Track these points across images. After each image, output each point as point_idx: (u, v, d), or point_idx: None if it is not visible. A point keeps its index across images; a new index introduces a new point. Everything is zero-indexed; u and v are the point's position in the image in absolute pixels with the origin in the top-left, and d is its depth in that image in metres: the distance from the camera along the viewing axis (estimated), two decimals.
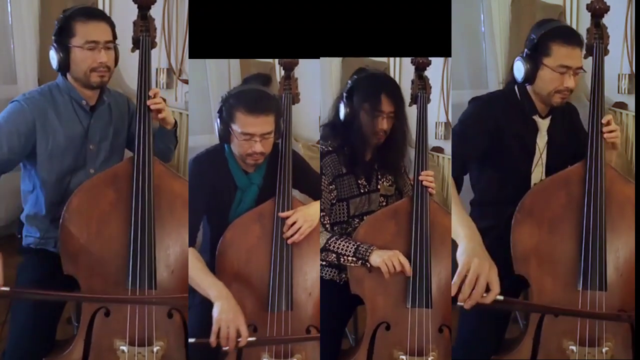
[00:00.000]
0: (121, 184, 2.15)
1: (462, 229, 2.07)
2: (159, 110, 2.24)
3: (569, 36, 2.27)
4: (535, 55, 2.28)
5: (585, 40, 2.29)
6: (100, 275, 2.11)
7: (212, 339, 2.06)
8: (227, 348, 2.07)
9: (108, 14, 2.42)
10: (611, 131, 2.23)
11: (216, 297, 2.11)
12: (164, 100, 2.28)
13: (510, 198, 2.21)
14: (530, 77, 2.30)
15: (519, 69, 2.32)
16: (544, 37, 2.26)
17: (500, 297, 1.97)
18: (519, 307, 2.14)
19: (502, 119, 2.34)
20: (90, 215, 2.13)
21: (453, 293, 1.96)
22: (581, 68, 2.28)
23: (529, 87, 2.36)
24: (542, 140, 2.39)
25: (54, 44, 2.24)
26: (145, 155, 2.16)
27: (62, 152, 2.27)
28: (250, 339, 2.09)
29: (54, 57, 2.25)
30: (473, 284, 1.95)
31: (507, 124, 2.34)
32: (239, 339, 2.07)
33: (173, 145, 2.48)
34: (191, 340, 2.09)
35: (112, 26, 2.27)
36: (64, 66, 2.25)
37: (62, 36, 2.23)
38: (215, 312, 2.08)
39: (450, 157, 3.76)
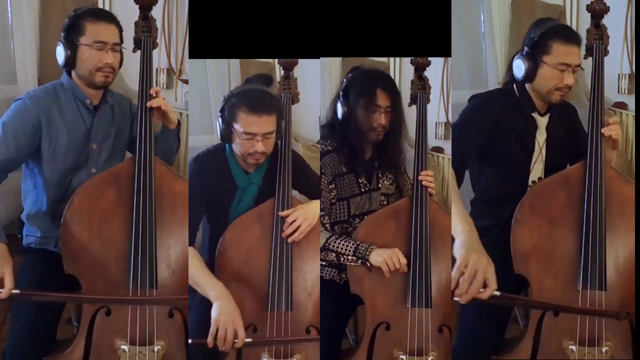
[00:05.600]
0: (123, 184, 2.16)
1: (460, 224, 2.08)
2: (159, 108, 2.25)
3: (568, 35, 2.29)
4: (535, 53, 2.30)
5: (585, 41, 2.31)
6: (101, 275, 2.11)
7: (210, 340, 2.07)
8: (224, 349, 2.07)
9: None
10: (612, 130, 2.23)
11: (215, 297, 2.11)
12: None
13: (509, 196, 2.22)
14: (530, 75, 2.31)
15: (519, 67, 2.33)
16: (543, 35, 2.28)
17: (498, 293, 1.96)
18: (516, 303, 2.15)
19: (501, 115, 2.36)
20: (92, 214, 2.13)
21: (452, 287, 1.96)
22: (579, 66, 2.30)
23: (527, 85, 2.37)
24: (541, 137, 2.40)
25: (62, 40, 2.26)
26: (147, 155, 2.17)
27: (65, 150, 2.27)
28: (247, 340, 2.09)
29: (60, 53, 2.26)
30: (471, 279, 1.94)
31: (506, 120, 2.36)
32: (236, 340, 2.07)
33: (176, 147, 2.48)
34: (189, 341, 2.09)
35: (120, 30, 2.29)
36: (70, 63, 2.26)
37: (71, 33, 2.25)
38: (213, 312, 2.09)
39: (450, 157, 3.78)
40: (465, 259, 1.96)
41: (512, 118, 2.37)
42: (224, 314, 2.08)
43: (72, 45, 2.25)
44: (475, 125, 2.37)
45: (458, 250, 1.99)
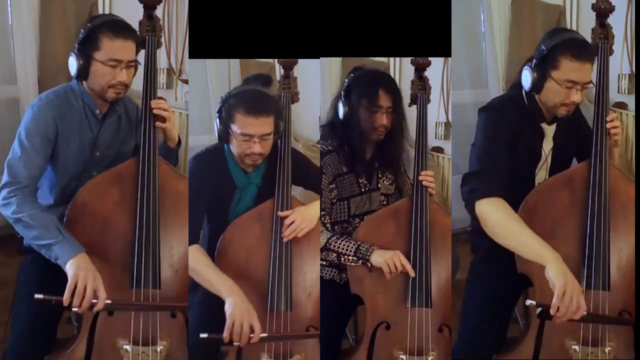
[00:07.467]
0: (126, 183, 2.15)
1: (546, 253, 2.08)
2: (163, 119, 2.22)
3: (580, 50, 2.19)
4: (543, 66, 2.22)
5: (590, 40, 2.24)
6: (104, 274, 2.09)
7: (226, 335, 2.05)
8: (238, 343, 2.06)
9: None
10: (614, 127, 2.22)
11: (228, 293, 2.10)
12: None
13: (513, 200, 2.20)
14: (537, 87, 2.24)
15: (527, 78, 2.26)
16: (554, 49, 2.20)
17: (585, 312, 2.05)
18: (602, 321, 2.19)
19: (515, 125, 2.29)
20: (95, 213, 2.12)
21: (553, 313, 2.03)
22: (590, 82, 2.22)
23: (536, 95, 2.30)
24: (547, 145, 2.37)
25: (76, 51, 2.20)
26: (150, 154, 2.16)
27: (74, 156, 2.26)
28: (262, 335, 2.08)
29: (73, 64, 2.21)
30: (569, 305, 2.02)
31: (518, 130, 2.30)
32: (252, 335, 2.07)
33: (173, 163, 2.43)
34: (203, 335, 2.05)
35: (137, 43, 2.22)
36: (83, 75, 2.21)
37: (86, 46, 2.19)
38: (227, 308, 2.07)
39: (450, 157, 3.78)
40: (564, 286, 2.02)
41: (523, 126, 2.31)
42: (240, 308, 2.07)
43: (85, 58, 2.19)
44: (501, 141, 2.26)
45: (556, 278, 2.03)
